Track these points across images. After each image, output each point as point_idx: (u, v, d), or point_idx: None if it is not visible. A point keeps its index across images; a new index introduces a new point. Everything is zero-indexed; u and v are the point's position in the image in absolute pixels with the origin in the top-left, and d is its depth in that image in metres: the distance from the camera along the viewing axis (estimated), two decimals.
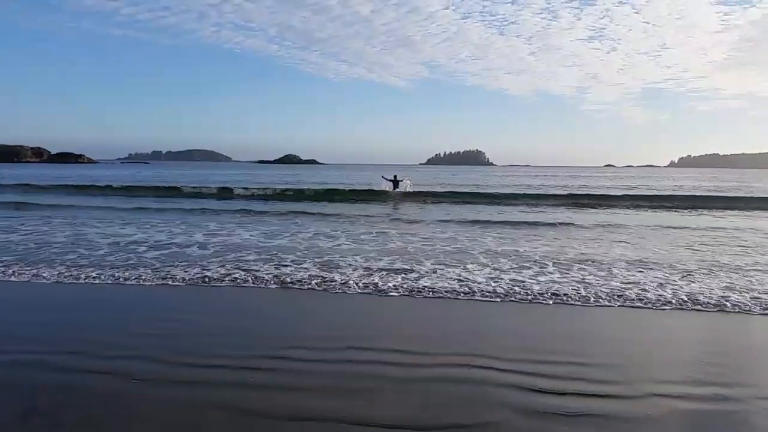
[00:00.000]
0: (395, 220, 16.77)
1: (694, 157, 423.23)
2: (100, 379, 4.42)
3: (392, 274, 8.37)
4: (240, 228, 14.48)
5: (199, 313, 6.52)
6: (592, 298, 6.98)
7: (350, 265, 9.15)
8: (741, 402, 4.13)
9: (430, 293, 7.21)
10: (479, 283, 7.64)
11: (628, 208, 22.47)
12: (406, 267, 8.93)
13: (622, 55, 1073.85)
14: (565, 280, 8.05)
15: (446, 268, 8.90)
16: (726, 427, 3.79)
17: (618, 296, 7.11)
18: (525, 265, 9.20)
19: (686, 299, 7.00)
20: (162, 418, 3.79)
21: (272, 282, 7.88)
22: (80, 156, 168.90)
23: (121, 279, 8.06)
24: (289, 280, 7.99)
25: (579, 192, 30.70)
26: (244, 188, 29.51)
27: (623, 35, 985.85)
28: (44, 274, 8.27)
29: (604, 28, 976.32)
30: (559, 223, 15.94)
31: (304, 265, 9.04)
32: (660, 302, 6.87)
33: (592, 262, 9.55)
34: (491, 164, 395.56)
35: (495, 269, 8.71)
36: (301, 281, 7.91)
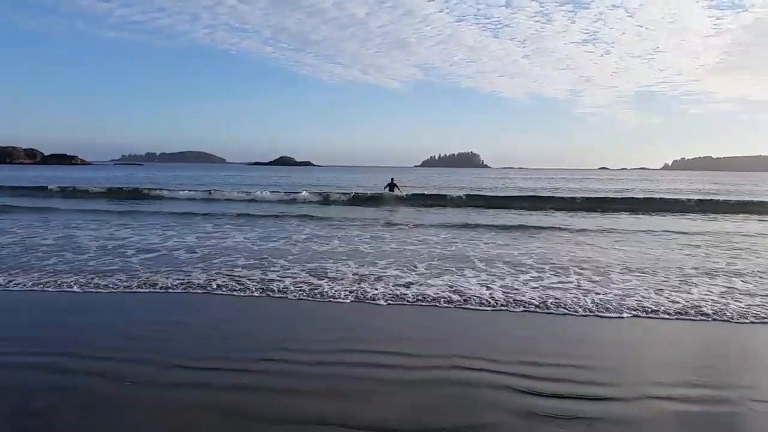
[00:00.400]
0: (390, 224, 16.62)
1: (688, 159, 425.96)
2: (92, 382, 4.39)
3: (386, 280, 8.35)
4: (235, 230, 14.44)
5: (192, 315, 6.50)
6: (590, 303, 6.97)
7: (342, 269, 9.11)
8: (735, 404, 4.14)
9: (423, 300, 7.15)
10: (473, 290, 7.57)
11: (627, 211, 22.29)
12: (398, 273, 8.90)
13: (615, 58, 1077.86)
14: (560, 285, 8.05)
15: (441, 273, 8.89)
16: (720, 429, 3.80)
17: (614, 303, 7.09)
18: (521, 269, 9.21)
19: (682, 303, 7.02)
20: (155, 421, 3.76)
21: (265, 287, 7.85)
22: (73, 157, 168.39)
23: (116, 281, 8.02)
24: (292, 282, 7.96)
25: (573, 195, 30.70)
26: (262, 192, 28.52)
27: (617, 39, 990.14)
28: (20, 279, 8.20)
29: (597, 32, 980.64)
30: (554, 227, 15.86)
31: (307, 267, 9.02)
32: (655, 306, 6.88)
33: (588, 265, 9.57)
34: (486, 166, 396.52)
35: (490, 275, 8.67)
36: (296, 283, 7.89)
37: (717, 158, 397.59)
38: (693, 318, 6.39)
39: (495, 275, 8.54)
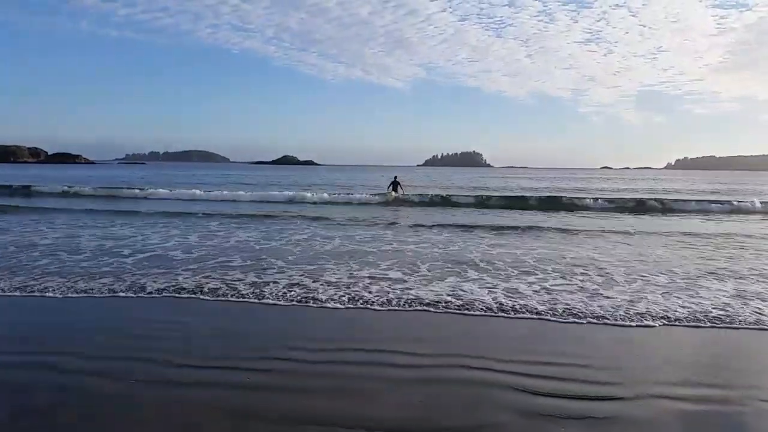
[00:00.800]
0: (393, 224, 16.56)
1: (691, 159, 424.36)
2: (97, 380, 4.41)
3: (388, 281, 8.36)
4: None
5: (196, 315, 6.51)
6: (596, 306, 6.96)
7: (344, 270, 9.11)
8: (738, 403, 4.13)
9: (425, 303, 7.11)
10: (476, 294, 7.46)
11: (639, 212, 21.99)
12: (400, 275, 8.87)
13: (618, 57, 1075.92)
14: (564, 288, 8.03)
15: (444, 275, 8.86)
16: (723, 428, 3.79)
17: (619, 306, 7.08)
18: (526, 271, 9.20)
19: (683, 302, 7.01)
20: (160, 419, 3.77)
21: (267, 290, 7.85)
22: (77, 156, 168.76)
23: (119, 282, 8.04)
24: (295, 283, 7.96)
25: (575, 195, 30.53)
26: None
27: (620, 38, 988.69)
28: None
29: (600, 31, 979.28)
30: (556, 228, 15.75)
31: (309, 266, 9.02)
32: (659, 308, 6.87)
33: (592, 267, 9.55)
34: (489, 166, 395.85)
35: (493, 277, 8.62)
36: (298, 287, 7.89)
37: (720, 157, 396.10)
38: (699, 313, 6.38)
39: (498, 277, 8.45)
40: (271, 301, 6.98)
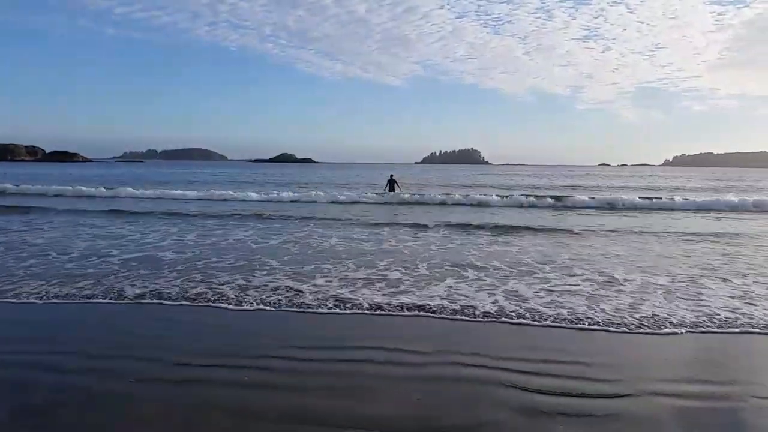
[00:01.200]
0: (392, 224, 16.42)
1: (689, 156, 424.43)
2: (95, 379, 4.40)
3: (386, 282, 8.34)
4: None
5: (195, 312, 6.49)
6: (597, 309, 6.95)
7: (343, 270, 9.09)
8: (738, 400, 4.13)
9: (424, 306, 7.10)
10: (474, 296, 7.41)
11: (640, 210, 21.67)
12: (399, 275, 8.86)
13: (616, 54, 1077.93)
14: (565, 288, 8.03)
15: (442, 275, 8.85)
16: (724, 425, 3.79)
17: (622, 309, 7.07)
18: (525, 271, 9.20)
19: (686, 302, 7.01)
20: (158, 418, 3.76)
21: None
22: (75, 154, 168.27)
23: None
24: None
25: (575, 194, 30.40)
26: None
27: (618, 35, 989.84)
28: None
29: (598, 28, 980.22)
30: (559, 229, 15.64)
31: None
32: (660, 308, 6.88)
33: (593, 267, 9.56)
34: (487, 163, 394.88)
35: (492, 278, 8.59)
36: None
37: (718, 154, 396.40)
38: (701, 312, 6.38)
39: (496, 278, 8.39)
40: (268, 308, 6.95)
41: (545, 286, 7.70)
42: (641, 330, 5.82)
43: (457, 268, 8.89)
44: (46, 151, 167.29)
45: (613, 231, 14.31)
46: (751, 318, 6.24)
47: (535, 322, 6.08)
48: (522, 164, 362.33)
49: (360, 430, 3.62)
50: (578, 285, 7.78)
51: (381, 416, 3.81)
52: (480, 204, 23.26)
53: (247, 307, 6.61)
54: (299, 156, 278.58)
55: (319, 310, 6.55)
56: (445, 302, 6.82)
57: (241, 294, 7.15)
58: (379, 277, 8.26)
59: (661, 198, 25.18)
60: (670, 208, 21.87)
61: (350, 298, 6.98)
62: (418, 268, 9.02)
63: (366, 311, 6.51)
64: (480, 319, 6.20)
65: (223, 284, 7.66)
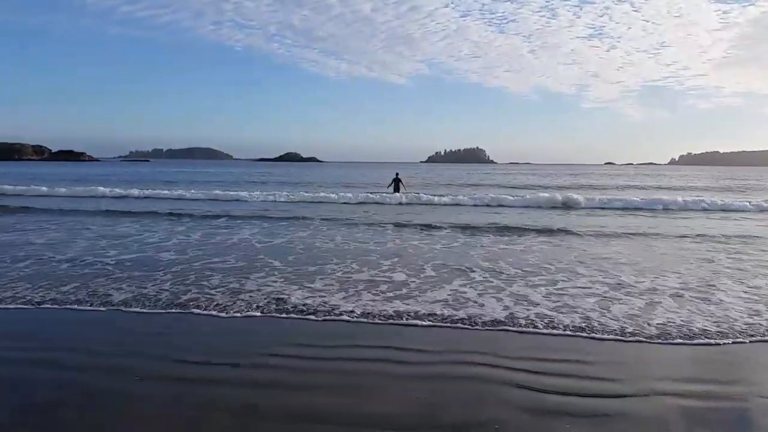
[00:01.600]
0: (396, 224, 15.96)
1: (695, 154, 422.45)
2: (100, 377, 4.41)
3: (390, 284, 8.31)
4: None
5: (198, 311, 6.49)
6: (608, 313, 6.90)
7: (347, 270, 9.07)
8: (744, 400, 4.10)
9: (429, 312, 7.05)
10: (480, 300, 7.27)
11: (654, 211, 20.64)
12: (404, 277, 8.82)
13: (621, 53, 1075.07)
14: (573, 292, 7.97)
15: (448, 277, 8.77)
16: (729, 424, 3.76)
17: (632, 315, 7.01)
18: (532, 272, 9.14)
19: (693, 302, 6.97)
20: (163, 416, 3.77)
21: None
22: (81, 154, 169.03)
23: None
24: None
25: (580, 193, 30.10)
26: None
27: (623, 33, 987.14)
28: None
29: (603, 26, 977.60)
30: (559, 229, 15.23)
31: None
32: (666, 306, 6.84)
33: (600, 268, 9.52)
34: (492, 162, 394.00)
35: (498, 279, 8.54)
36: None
37: (724, 153, 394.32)
38: (705, 309, 6.34)
39: (502, 279, 8.28)
40: (272, 314, 6.95)
41: (557, 287, 7.68)
42: (652, 341, 5.77)
43: (463, 270, 8.79)
44: (53, 151, 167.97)
45: (637, 233, 14.10)
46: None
47: (545, 330, 5.80)
48: (527, 163, 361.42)
49: (365, 428, 3.61)
50: (589, 287, 7.75)
51: (386, 414, 3.80)
52: (488, 204, 22.82)
53: (256, 314, 6.60)
54: (304, 155, 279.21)
55: (323, 318, 6.31)
56: (448, 310, 6.74)
57: (243, 295, 7.16)
58: (384, 279, 8.22)
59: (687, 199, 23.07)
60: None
61: (351, 311, 6.97)
62: (425, 269, 8.84)
63: (370, 321, 6.37)
64: (489, 328, 5.89)
65: (226, 286, 7.67)
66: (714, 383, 4.41)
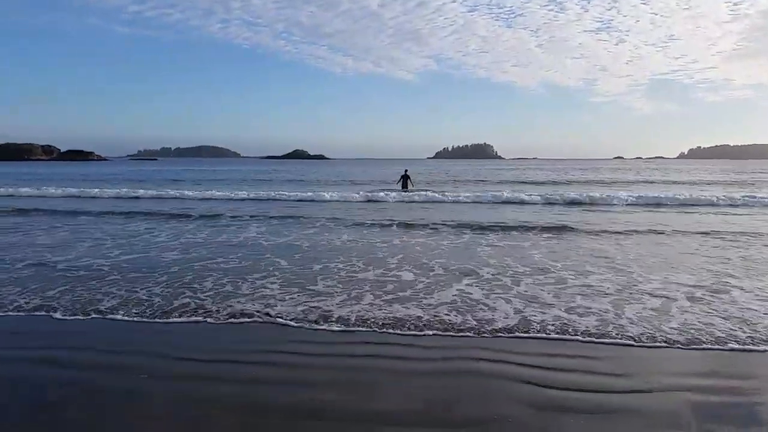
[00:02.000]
0: (404, 223, 15.74)
1: (705, 148, 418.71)
2: (107, 375, 4.42)
3: (398, 283, 8.28)
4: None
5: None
6: (624, 319, 6.85)
7: (352, 268, 9.05)
8: (755, 394, 4.06)
9: (435, 317, 7.04)
10: (488, 301, 7.35)
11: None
12: (412, 276, 8.79)
13: (630, 46, 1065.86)
14: (581, 292, 7.92)
15: (457, 276, 8.70)
16: (739, 419, 3.70)
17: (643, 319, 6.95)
18: (540, 269, 9.09)
19: (705, 304, 6.90)
20: (170, 413, 3.77)
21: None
22: (90, 153, 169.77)
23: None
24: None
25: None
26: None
27: (631, 26, 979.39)
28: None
29: (611, 20, 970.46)
30: (564, 227, 14.99)
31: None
32: (674, 303, 6.78)
33: (610, 264, 9.46)
34: (499, 157, 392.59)
35: (505, 276, 8.50)
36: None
37: (735, 146, 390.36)
38: (715, 307, 6.28)
39: (510, 277, 8.26)
40: (282, 316, 6.94)
41: (566, 286, 7.64)
42: (661, 346, 5.72)
43: (471, 270, 8.61)
44: (62, 150, 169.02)
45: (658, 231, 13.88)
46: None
47: (557, 335, 5.55)
48: (535, 158, 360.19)
49: (371, 424, 3.59)
50: (599, 285, 7.70)
51: (391, 410, 3.78)
52: (504, 202, 22.36)
53: (258, 320, 6.60)
54: (312, 153, 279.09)
55: (329, 327, 5.99)
56: (453, 314, 6.69)
57: (247, 296, 7.16)
58: (392, 279, 8.17)
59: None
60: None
61: (358, 319, 6.95)
62: (433, 268, 8.64)
63: (376, 330, 6.17)
64: (498, 331, 5.96)
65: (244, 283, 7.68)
66: (721, 378, 4.37)
